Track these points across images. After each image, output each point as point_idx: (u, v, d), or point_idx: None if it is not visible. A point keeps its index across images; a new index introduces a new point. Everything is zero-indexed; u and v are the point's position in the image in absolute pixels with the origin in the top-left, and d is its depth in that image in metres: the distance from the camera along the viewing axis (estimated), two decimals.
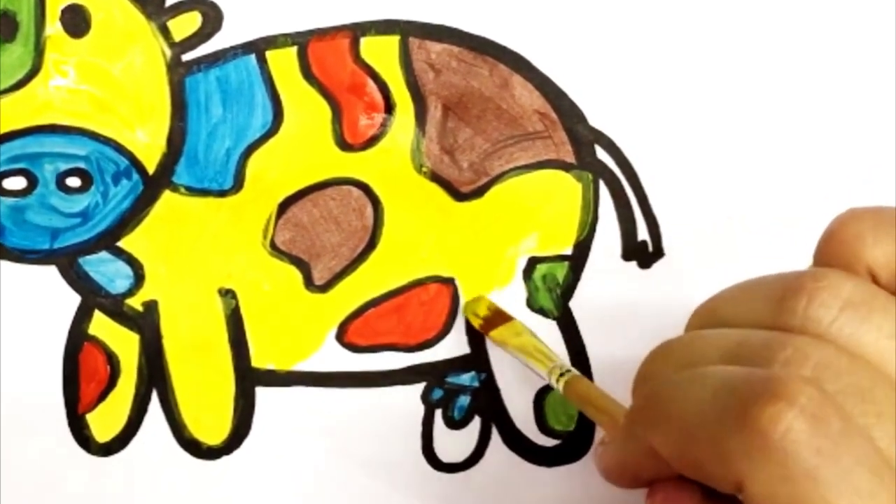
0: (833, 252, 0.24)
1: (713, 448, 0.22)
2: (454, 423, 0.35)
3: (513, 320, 0.34)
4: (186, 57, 0.34)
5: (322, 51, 0.35)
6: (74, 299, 0.35)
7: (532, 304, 0.35)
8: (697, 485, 0.23)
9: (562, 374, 0.31)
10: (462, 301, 0.35)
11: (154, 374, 0.35)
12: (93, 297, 0.35)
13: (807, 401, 0.21)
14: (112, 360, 0.35)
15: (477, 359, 0.35)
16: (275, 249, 0.35)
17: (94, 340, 0.35)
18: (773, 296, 0.23)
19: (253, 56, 0.34)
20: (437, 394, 0.35)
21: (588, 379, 0.32)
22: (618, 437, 0.26)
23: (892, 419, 0.21)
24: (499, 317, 0.34)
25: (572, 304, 0.35)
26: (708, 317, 0.25)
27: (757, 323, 0.23)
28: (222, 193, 0.35)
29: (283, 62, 0.35)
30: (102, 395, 0.34)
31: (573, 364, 0.35)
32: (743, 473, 0.21)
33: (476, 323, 0.34)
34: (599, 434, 0.35)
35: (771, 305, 0.23)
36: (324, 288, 0.35)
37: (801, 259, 0.35)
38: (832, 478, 0.21)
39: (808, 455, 0.21)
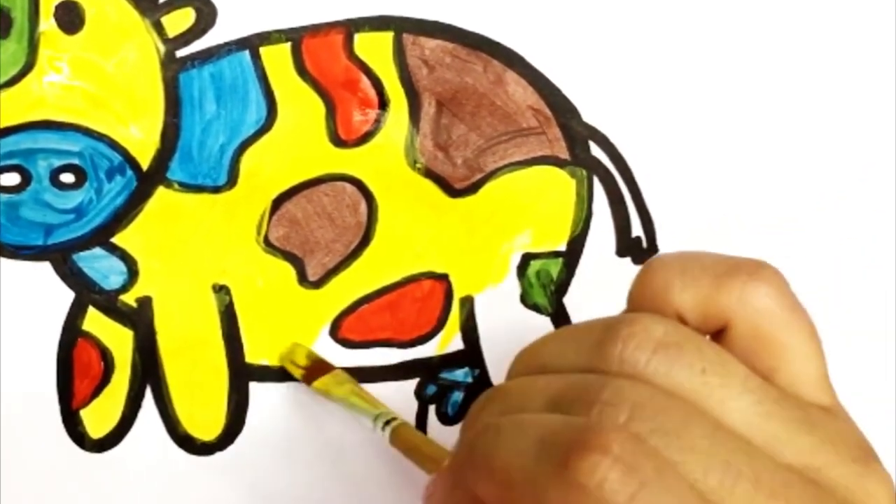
0: (644, 298, 0.26)
1: (534, 499, 0.22)
2: (448, 419, 0.35)
3: (334, 370, 0.34)
4: (180, 53, 0.34)
5: (316, 47, 0.35)
6: (68, 295, 0.35)
7: (526, 301, 0.35)
8: None
9: (387, 423, 0.31)
10: (454, 296, 0.35)
11: (148, 370, 0.35)
12: (87, 293, 0.35)
13: (619, 449, 0.21)
14: (106, 356, 0.35)
15: (471, 355, 0.35)
16: (269, 245, 0.35)
17: (88, 336, 0.35)
18: (591, 341, 0.24)
19: (247, 52, 0.35)
20: (431, 390, 0.35)
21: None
22: (442, 483, 0.26)
23: (704, 452, 0.22)
24: (320, 366, 0.34)
25: (566, 300, 0.35)
26: (530, 362, 0.26)
27: (578, 368, 0.24)
28: (216, 190, 0.35)
29: (277, 58, 0.35)
30: (96, 391, 0.35)
31: None
32: None
33: (296, 373, 0.34)
34: None
35: (590, 350, 0.24)
36: (317, 284, 0.35)
37: (794, 255, 0.35)
38: None
39: (625, 501, 0.21)
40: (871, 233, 0.37)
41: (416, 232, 0.35)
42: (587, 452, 0.21)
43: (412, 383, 0.35)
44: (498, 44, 0.35)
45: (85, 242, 0.35)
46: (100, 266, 0.35)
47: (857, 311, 0.36)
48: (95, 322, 0.35)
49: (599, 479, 0.21)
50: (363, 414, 0.32)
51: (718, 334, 0.25)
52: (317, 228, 0.35)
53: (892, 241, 0.37)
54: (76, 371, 0.35)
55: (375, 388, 0.35)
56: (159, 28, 0.34)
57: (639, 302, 0.26)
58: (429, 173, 0.35)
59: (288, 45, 0.35)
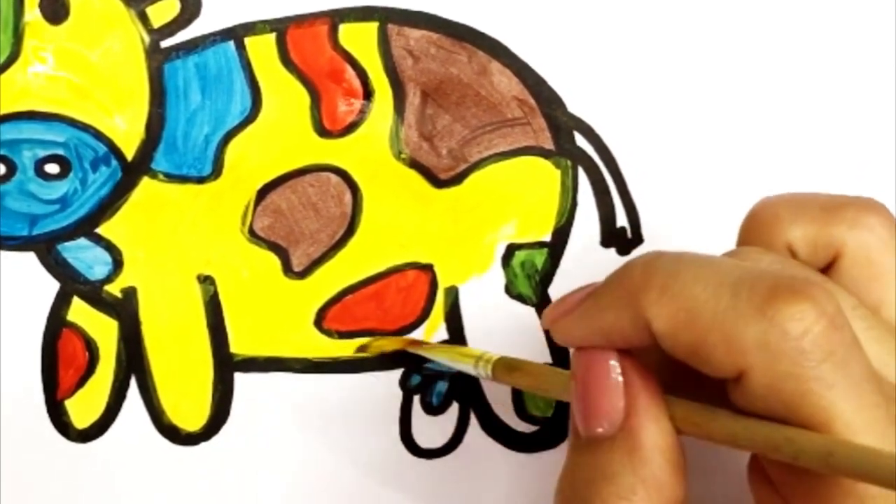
0: (754, 232, 0.27)
1: (722, 334, 0.22)
2: (432, 409, 0.35)
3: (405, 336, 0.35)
4: (165, 43, 0.35)
5: (301, 37, 0.35)
6: (53, 286, 0.35)
7: (511, 291, 0.35)
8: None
9: (485, 363, 0.31)
10: (439, 286, 0.35)
11: (133, 361, 0.35)
12: (71, 283, 0.35)
13: (827, 306, 0.22)
14: (91, 347, 0.35)
15: (455, 344, 0.35)
16: (253, 236, 0.35)
17: (73, 327, 0.35)
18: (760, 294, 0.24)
19: (231, 43, 0.35)
20: (416, 379, 0.35)
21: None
22: (598, 297, 0.26)
23: (892, 350, 0.23)
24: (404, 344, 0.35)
25: (551, 290, 0.35)
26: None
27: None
28: (201, 180, 0.35)
29: (262, 49, 0.35)
30: (81, 382, 0.35)
31: (552, 350, 0.35)
32: (749, 364, 0.22)
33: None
34: None
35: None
36: (302, 274, 0.35)
37: None
38: (840, 383, 0.22)
39: (822, 357, 0.22)
40: None
41: (400, 222, 0.35)
42: (796, 298, 0.22)
43: (397, 373, 0.35)
44: (483, 34, 0.35)
45: (70, 233, 0.35)
46: (84, 256, 0.35)
47: None
48: (80, 312, 0.35)
49: (804, 328, 0.22)
50: (461, 367, 0.32)
51: (826, 269, 0.25)
52: (301, 219, 0.35)
53: None
54: (61, 361, 0.35)
55: (360, 378, 0.35)
56: (144, 18, 0.35)
57: (749, 236, 0.27)
58: (413, 164, 0.35)
59: (273, 35, 0.35)
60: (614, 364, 0.25)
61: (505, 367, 0.30)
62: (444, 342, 0.36)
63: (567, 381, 0.26)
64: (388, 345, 0.35)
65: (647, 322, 0.24)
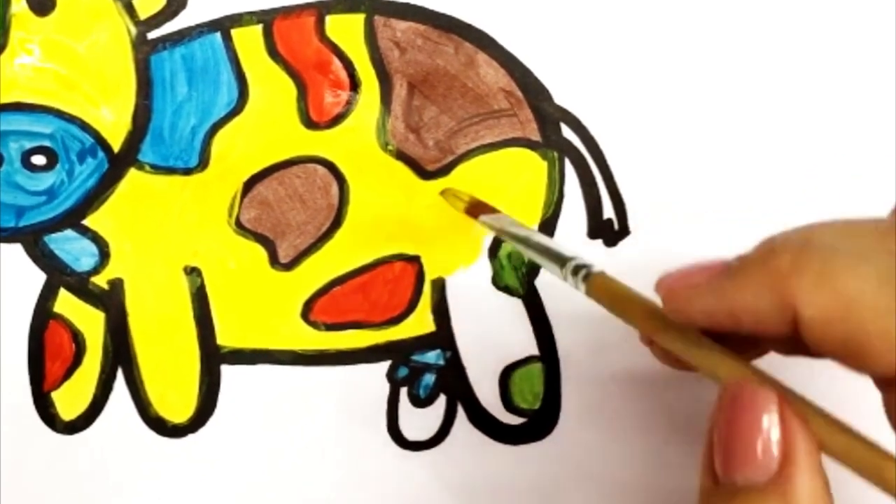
0: None
1: (884, 330, 0.22)
2: (419, 402, 0.35)
3: (499, 211, 0.33)
4: (152, 35, 0.35)
5: (287, 29, 0.35)
6: (40, 277, 0.35)
7: (497, 283, 0.35)
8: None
9: (580, 269, 0.29)
10: (426, 278, 0.35)
11: (119, 352, 0.35)
12: (58, 275, 0.35)
13: None
14: (77, 338, 0.35)
15: (442, 336, 0.35)
16: (240, 227, 0.35)
17: (60, 318, 0.35)
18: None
19: (218, 34, 0.35)
20: (403, 372, 0.35)
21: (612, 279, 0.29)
22: (735, 275, 0.24)
23: None
24: (482, 204, 0.34)
25: (538, 282, 0.35)
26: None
27: None
28: (188, 171, 0.35)
29: (249, 40, 0.35)
30: (68, 373, 0.35)
31: (539, 342, 0.35)
32: None
33: (460, 206, 0.34)
34: (565, 412, 0.35)
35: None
36: (289, 266, 0.35)
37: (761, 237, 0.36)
38: None
39: None
40: None
41: (387, 214, 0.35)
42: None
43: (384, 366, 0.35)
44: (469, 26, 0.35)
45: (56, 224, 0.35)
46: (71, 248, 0.35)
47: None
48: (67, 304, 0.35)
49: None
50: (549, 260, 0.30)
51: None
52: (288, 210, 0.35)
53: None
54: (47, 353, 0.35)
55: (347, 371, 0.35)
56: (131, 10, 0.35)
57: None
58: (400, 155, 0.35)
59: (259, 27, 0.35)
60: (772, 404, 0.24)
61: (606, 290, 0.28)
62: (432, 334, 0.36)
63: (686, 337, 0.26)
64: (459, 201, 0.34)
65: (794, 308, 0.23)
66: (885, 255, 0.23)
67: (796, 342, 0.24)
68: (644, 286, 0.36)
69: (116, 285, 0.35)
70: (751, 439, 0.23)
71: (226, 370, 0.35)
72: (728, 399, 0.24)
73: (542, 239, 0.31)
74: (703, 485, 0.25)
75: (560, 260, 0.29)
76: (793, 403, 0.24)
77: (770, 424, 0.23)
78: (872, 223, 0.25)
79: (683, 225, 0.36)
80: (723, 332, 0.25)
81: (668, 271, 0.26)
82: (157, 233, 0.35)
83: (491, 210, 0.34)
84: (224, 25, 0.35)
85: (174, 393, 0.35)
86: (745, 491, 0.23)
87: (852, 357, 0.23)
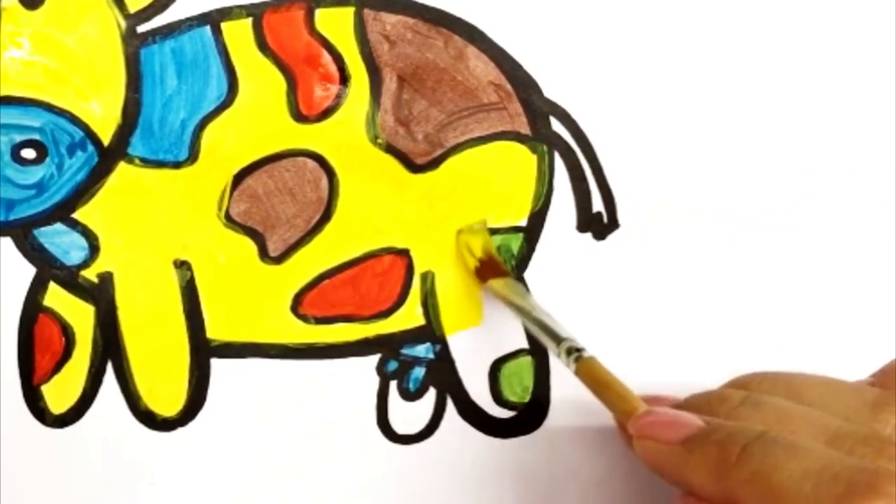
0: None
1: None
2: (409, 395, 0.35)
3: (510, 277, 0.35)
4: (141, 28, 0.35)
5: (277, 22, 0.35)
6: (29, 271, 0.35)
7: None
8: None
9: (573, 351, 0.31)
10: (415, 271, 0.35)
11: (109, 346, 0.35)
12: (48, 268, 0.35)
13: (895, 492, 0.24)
14: (67, 332, 0.35)
15: (432, 330, 0.35)
16: (230, 221, 0.35)
17: (49, 312, 0.35)
18: (864, 401, 0.28)
19: (208, 27, 0.35)
20: (392, 365, 0.35)
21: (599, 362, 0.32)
22: (691, 453, 0.27)
23: None
24: (495, 266, 0.35)
25: (527, 275, 0.36)
26: (790, 392, 0.29)
27: (847, 417, 0.28)
28: (177, 165, 0.35)
29: (238, 34, 0.35)
30: (57, 367, 0.35)
31: (528, 336, 0.35)
32: None
33: (470, 262, 0.35)
34: (555, 406, 0.35)
35: (865, 410, 0.28)
36: (279, 259, 0.35)
37: (755, 239, 0.36)
38: None
39: None
40: (849, 230, 0.37)
41: (377, 207, 0.35)
42: (872, 495, 0.24)
43: (373, 359, 0.35)
44: (459, 19, 0.35)
45: (46, 218, 0.35)
46: (61, 241, 0.35)
47: (827, 304, 0.37)
48: (56, 297, 0.35)
49: None
50: (545, 336, 0.32)
51: None
52: (278, 204, 0.35)
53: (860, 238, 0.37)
54: (37, 346, 0.35)
55: (336, 364, 0.35)
56: (120, 3, 0.35)
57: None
58: (390, 149, 0.35)
59: (249, 20, 0.35)
60: None
61: (593, 375, 0.31)
62: (421, 328, 0.36)
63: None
64: (471, 258, 0.35)
65: (733, 501, 0.26)
66: (815, 447, 0.26)
67: None
68: (633, 279, 0.36)
69: (106, 279, 0.35)
70: None
71: (215, 364, 0.35)
72: None
73: (543, 316, 0.33)
74: None
75: (556, 339, 0.32)
76: None
77: None
78: (854, 389, 0.29)
79: (673, 218, 0.36)
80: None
81: (646, 411, 0.29)
82: (146, 226, 0.35)
83: (502, 273, 0.35)
84: (214, 19, 0.35)
85: (164, 386, 0.35)
86: None
87: None
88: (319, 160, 0.35)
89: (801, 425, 0.27)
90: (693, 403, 0.31)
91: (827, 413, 0.28)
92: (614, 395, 0.30)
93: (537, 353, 0.36)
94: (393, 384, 0.36)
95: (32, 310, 0.35)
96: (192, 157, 0.35)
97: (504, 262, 0.35)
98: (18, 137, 0.35)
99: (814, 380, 0.30)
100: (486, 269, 0.35)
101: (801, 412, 0.28)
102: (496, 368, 0.36)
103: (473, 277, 0.35)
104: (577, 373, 0.31)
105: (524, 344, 0.36)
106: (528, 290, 0.35)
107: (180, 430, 0.35)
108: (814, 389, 0.30)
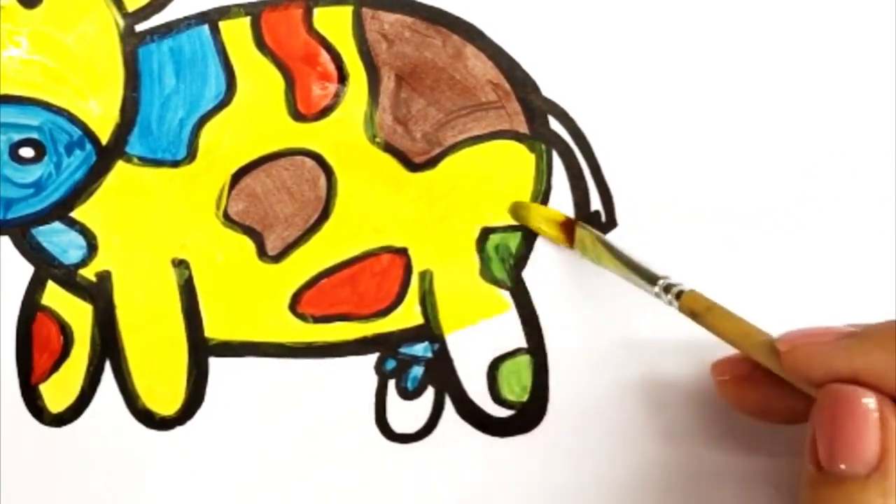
0: None
1: None
2: (407, 394, 0.35)
3: (580, 224, 0.35)
4: (139, 27, 0.35)
5: (275, 21, 0.35)
6: (27, 270, 0.35)
7: (485, 275, 0.36)
8: None
9: (671, 287, 0.31)
10: (413, 270, 0.35)
11: (107, 345, 0.35)
12: (46, 267, 0.35)
13: None
14: (65, 331, 0.35)
15: (430, 329, 0.35)
16: (228, 220, 0.35)
17: (47, 311, 0.35)
18: None
19: (206, 26, 0.35)
20: (391, 364, 0.35)
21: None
22: (865, 337, 0.27)
23: None
24: (567, 223, 0.35)
25: (525, 274, 0.36)
26: None
27: None
28: (175, 164, 0.35)
29: (237, 32, 0.35)
30: (55, 366, 0.35)
31: (526, 335, 0.35)
32: None
33: (557, 221, 0.35)
34: (553, 404, 0.35)
35: None
36: (277, 258, 0.35)
37: (752, 237, 0.36)
38: None
39: None
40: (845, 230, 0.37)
41: (375, 206, 0.35)
42: None
43: (372, 358, 0.36)
44: (457, 18, 0.35)
45: (44, 217, 0.35)
46: (59, 240, 0.35)
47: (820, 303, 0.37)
48: (55, 296, 0.35)
49: None
50: (639, 276, 0.33)
51: None
52: (276, 203, 0.35)
53: (852, 237, 0.37)
54: (35, 345, 0.35)
55: (335, 363, 0.35)
56: (118, 2, 0.35)
57: None
58: (388, 147, 0.35)
59: (247, 19, 0.35)
60: (871, 402, 0.26)
61: (695, 308, 0.31)
62: (420, 327, 0.36)
63: (765, 344, 0.29)
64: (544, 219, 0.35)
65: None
66: None
67: None
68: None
69: (104, 278, 0.35)
70: (853, 431, 0.26)
71: (214, 363, 0.36)
72: (831, 398, 0.27)
73: (633, 256, 0.33)
74: (808, 472, 0.27)
75: (651, 278, 0.32)
76: (891, 405, 0.26)
77: (873, 416, 0.26)
78: None
79: (672, 218, 0.36)
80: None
81: (791, 330, 0.29)
82: (144, 225, 0.35)
83: (576, 224, 0.35)
84: (212, 18, 0.35)
85: (162, 385, 0.35)
86: (848, 480, 0.26)
87: None
88: (318, 159, 0.35)
89: None
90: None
91: None
92: (727, 322, 0.30)
93: (536, 351, 0.36)
94: (391, 383, 0.36)
95: (31, 309, 0.35)
96: (191, 156, 0.35)
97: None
98: (17, 136, 0.35)
99: None
100: (567, 226, 0.35)
101: None
102: (495, 367, 0.36)
103: (478, 277, 0.35)
104: (682, 308, 0.31)
105: (523, 343, 0.36)
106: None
107: (178, 429, 0.35)
108: None
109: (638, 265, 0.33)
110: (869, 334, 0.27)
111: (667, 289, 0.32)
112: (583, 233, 0.34)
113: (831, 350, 0.27)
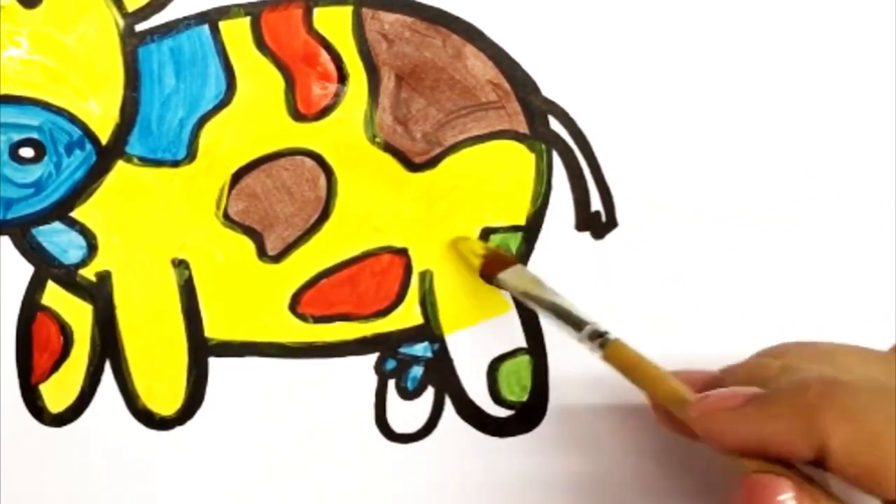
0: None
1: None
2: (407, 394, 0.35)
3: (516, 264, 0.34)
4: (139, 27, 0.35)
5: (275, 21, 0.35)
6: (27, 270, 0.35)
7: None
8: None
9: (598, 336, 0.31)
10: (413, 270, 0.36)
11: (107, 345, 0.35)
12: (46, 267, 0.35)
13: None
14: (65, 331, 0.35)
15: (430, 329, 0.35)
16: (228, 220, 0.35)
17: (48, 311, 0.35)
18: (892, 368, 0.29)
19: (206, 26, 0.35)
20: (391, 364, 0.35)
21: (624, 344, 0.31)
22: (766, 405, 0.27)
23: None
24: (498, 258, 0.35)
25: None
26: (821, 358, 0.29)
27: None
28: (175, 164, 0.35)
29: (237, 32, 0.35)
30: (55, 366, 0.35)
31: (526, 335, 0.35)
32: None
33: (476, 262, 0.35)
34: (553, 404, 0.35)
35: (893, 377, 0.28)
36: (277, 258, 0.35)
37: (752, 232, 0.36)
38: None
39: None
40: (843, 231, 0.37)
41: (375, 206, 0.35)
42: None
43: (372, 358, 0.36)
44: (457, 18, 0.35)
45: (44, 217, 0.35)
46: (59, 240, 0.35)
47: (817, 301, 0.37)
48: (55, 296, 0.35)
49: None
50: (565, 322, 0.32)
51: None
52: (276, 202, 0.35)
53: (849, 237, 0.37)
54: (35, 345, 0.35)
55: (335, 363, 0.35)
56: (118, 2, 0.35)
57: None
58: (388, 147, 0.35)
59: (247, 19, 0.35)
60: (788, 499, 0.26)
61: (619, 358, 0.30)
62: (419, 327, 0.36)
63: (683, 403, 0.29)
64: (472, 251, 0.35)
65: (822, 439, 0.26)
66: None
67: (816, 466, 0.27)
68: (631, 277, 0.36)
69: (104, 278, 0.35)
70: None
71: (213, 363, 0.36)
72: (748, 494, 0.27)
73: (560, 301, 0.33)
74: None
75: (577, 324, 0.32)
76: (807, 490, 0.26)
77: None
78: (881, 357, 0.29)
79: (672, 218, 0.36)
80: (748, 457, 0.27)
81: (702, 395, 0.29)
82: (144, 225, 0.35)
83: (509, 262, 0.34)
84: (212, 18, 0.35)
85: (162, 385, 0.35)
86: None
87: (873, 484, 0.25)
88: (318, 159, 0.35)
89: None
90: (731, 373, 0.30)
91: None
92: (647, 377, 0.30)
93: (536, 351, 0.36)
94: (391, 383, 0.36)
95: (31, 309, 0.35)
96: (191, 156, 0.35)
97: (506, 250, 0.35)
98: (17, 136, 0.35)
99: (844, 348, 0.30)
100: (492, 264, 0.35)
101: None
102: (494, 367, 0.36)
103: (478, 278, 0.35)
104: (605, 357, 0.31)
105: (522, 343, 0.36)
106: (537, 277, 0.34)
107: (178, 429, 0.35)
108: (847, 357, 0.29)
109: (563, 309, 0.32)
110: (776, 397, 0.27)
111: (591, 336, 0.31)
112: (507, 276, 0.34)
113: (739, 418, 0.27)
